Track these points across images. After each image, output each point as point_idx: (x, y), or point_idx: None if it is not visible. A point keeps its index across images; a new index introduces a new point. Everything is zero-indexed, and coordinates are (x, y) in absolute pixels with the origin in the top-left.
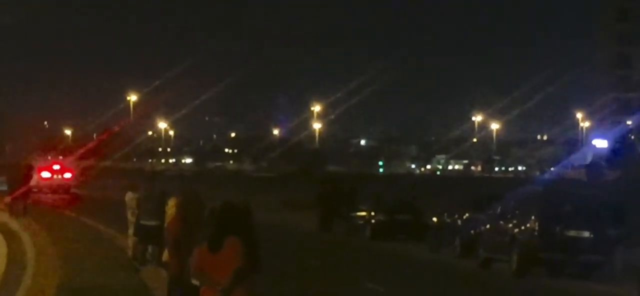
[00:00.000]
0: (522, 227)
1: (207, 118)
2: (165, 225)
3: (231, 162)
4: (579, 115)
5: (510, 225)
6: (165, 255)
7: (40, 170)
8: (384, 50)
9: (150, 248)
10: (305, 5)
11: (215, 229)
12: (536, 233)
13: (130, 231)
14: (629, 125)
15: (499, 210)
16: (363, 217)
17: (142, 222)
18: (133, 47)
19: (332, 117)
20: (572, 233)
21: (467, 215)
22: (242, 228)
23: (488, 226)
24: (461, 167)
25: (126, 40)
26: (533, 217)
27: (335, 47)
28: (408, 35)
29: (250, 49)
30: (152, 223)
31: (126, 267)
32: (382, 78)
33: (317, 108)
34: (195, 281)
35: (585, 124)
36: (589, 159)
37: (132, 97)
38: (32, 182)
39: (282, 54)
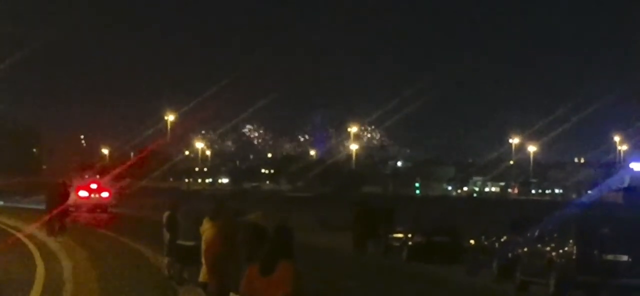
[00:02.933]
0: (560, 250)
1: (243, 139)
2: (203, 244)
3: (267, 182)
4: (617, 138)
5: (548, 248)
6: (203, 275)
7: (78, 188)
8: (422, 72)
9: (186, 268)
10: (343, 24)
11: (269, 251)
12: (574, 257)
13: (165, 252)
14: None
15: (536, 233)
16: (400, 238)
17: (179, 242)
18: (171, 66)
19: (369, 136)
20: (610, 256)
21: (504, 237)
22: (292, 252)
23: (526, 249)
24: (498, 189)
25: (164, 59)
26: (571, 241)
27: (372, 68)
28: (446, 56)
29: (287, 69)
30: (190, 243)
31: (164, 287)
32: (419, 100)
33: (354, 129)
34: None
35: (623, 147)
36: (626, 182)
37: (170, 117)
38: (70, 201)
39: (320, 74)
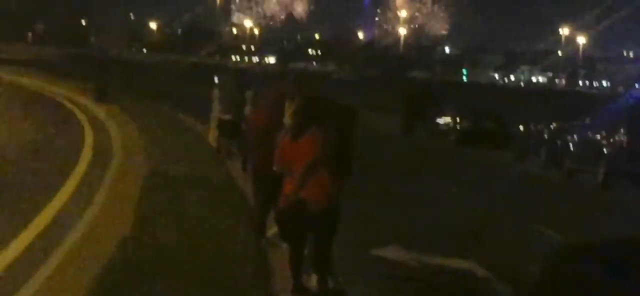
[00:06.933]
0: (611, 140)
1: (291, 18)
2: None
3: (314, 63)
4: None
5: (598, 137)
6: None
7: None
8: None
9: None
10: None
11: (300, 118)
12: (624, 146)
13: (212, 124)
14: None
15: (587, 122)
16: (447, 122)
17: (220, 116)
18: None
19: (418, 23)
20: None
21: (553, 125)
22: (327, 121)
23: (575, 137)
24: (545, 80)
25: None
26: (622, 130)
27: None
28: None
29: None
30: (228, 117)
31: (212, 159)
32: None
33: (403, 13)
34: (275, 168)
35: None
36: None
37: None
38: None
39: None
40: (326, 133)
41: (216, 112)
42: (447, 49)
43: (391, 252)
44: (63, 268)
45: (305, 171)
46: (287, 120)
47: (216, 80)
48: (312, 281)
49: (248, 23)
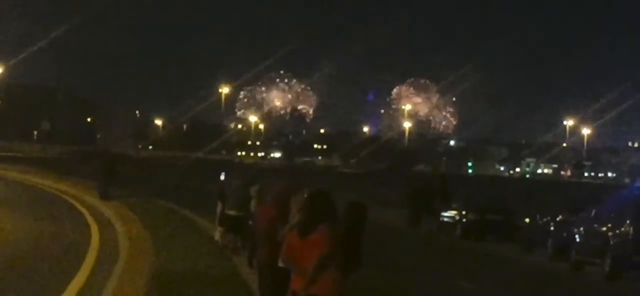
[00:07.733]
0: (616, 231)
1: (296, 114)
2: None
3: (320, 157)
4: None
5: (605, 229)
6: None
7: None
8: (479, 50)
9: (239, 238)
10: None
11: (307, 214)
12: (630, 237)
13: (218, 220)
14: None
15: (593, 213)
16: (454, 215)
17: (226, 211)
18: (226, 39)
19: (423, 116)
20: None
21: (560, 217)
22: (334, 216)
23: (581, 229)
24: (550, 171)
25: (220, 31)
26: (628, 221)
27: (426, 44)
28: (503, 36)
29: (345, 45)
30: (234, 213)
31: (218, 255)
32: (474, 79)
33: (407, 107)
34: (281, 264)
35: None
36: None
37: (224, 90)
38: None
39: (367, 49)
40: (335, 229)
41: (222, 207)
42: (452, 142)
43: None
44: None
45: (316, 268)
46: (293, 215)
47: (222, 176)
48: None
49: (253, 118)
